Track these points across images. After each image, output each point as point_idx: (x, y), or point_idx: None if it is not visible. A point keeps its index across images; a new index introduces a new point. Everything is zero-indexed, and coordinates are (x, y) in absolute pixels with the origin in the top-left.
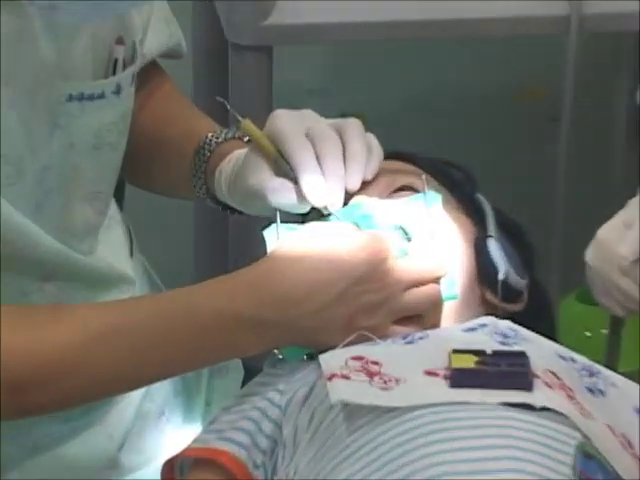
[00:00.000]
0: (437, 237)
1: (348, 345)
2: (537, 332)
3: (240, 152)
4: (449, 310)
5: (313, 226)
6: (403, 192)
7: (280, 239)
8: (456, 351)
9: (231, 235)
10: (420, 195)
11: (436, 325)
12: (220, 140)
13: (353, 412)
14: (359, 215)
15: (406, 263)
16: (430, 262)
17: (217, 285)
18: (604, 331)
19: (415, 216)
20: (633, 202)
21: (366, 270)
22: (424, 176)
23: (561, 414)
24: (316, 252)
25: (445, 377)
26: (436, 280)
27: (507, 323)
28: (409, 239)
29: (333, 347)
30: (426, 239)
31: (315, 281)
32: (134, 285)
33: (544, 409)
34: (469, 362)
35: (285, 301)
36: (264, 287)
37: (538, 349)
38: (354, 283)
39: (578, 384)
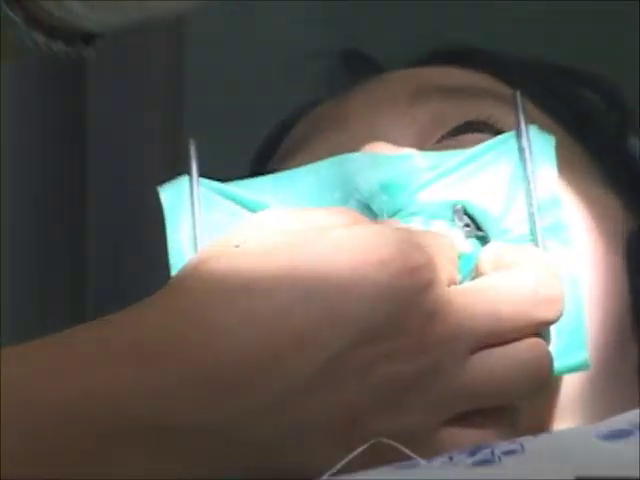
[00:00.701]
0: (547, 235)
1: (350, 470)
2: None
3: None
4: (570, 394)
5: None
6: (468, 135)
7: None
8: None
9: None
10: (505, 139)
11: (540, 426)
12: None
13: None
14: (373, 185)
15: (475, 293)
16: (528, 289)
17: (70, 352)
18: None
19: (494, 188)
20: None
21: (388, 312)
22: (518, 95)
23: None
24: (282, 270)
25: None
26: (540, 329)
27: None
28: (481, 239)
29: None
30: (521, 240)
31: (278, 338)
32: None
33: None
34: None
35: (212, 385)
36: (167, 355)
37: None
38: (362, 340)
39: None
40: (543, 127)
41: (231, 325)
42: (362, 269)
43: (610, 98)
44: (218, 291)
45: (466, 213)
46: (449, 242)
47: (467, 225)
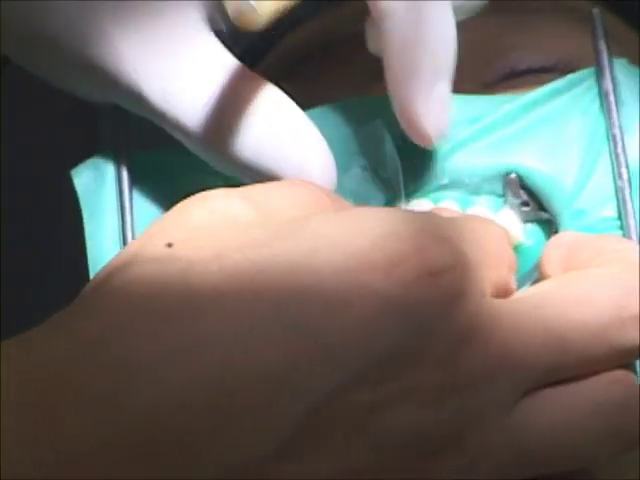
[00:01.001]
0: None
1: None
2: None
3: None
4: None
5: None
6: (529, 77)
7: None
8: None
9: None
10: (579, 80)
11: None
12: None
13: None
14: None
15: (531, 308)
16: (611, 301)
17: None
18: None
19: (564, 151)
20: None
21: (398, 338)
22: (597, 14)
23: None
24: (238, 283)
25: None
26: (626, 358)
27: None
28: (545, 224)
29: None
30: (604, 227)
31: (233, 383)
32: None
33: None
34: None
35: (125, 455)
36: (60, 408)
37: None
38: (359, 381)
39: None
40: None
41: (159, 363)
42: (358, 276)
43: None
44: (141, 312)
45: (523, 187)
46: (498, 231)
47: (525, 204)
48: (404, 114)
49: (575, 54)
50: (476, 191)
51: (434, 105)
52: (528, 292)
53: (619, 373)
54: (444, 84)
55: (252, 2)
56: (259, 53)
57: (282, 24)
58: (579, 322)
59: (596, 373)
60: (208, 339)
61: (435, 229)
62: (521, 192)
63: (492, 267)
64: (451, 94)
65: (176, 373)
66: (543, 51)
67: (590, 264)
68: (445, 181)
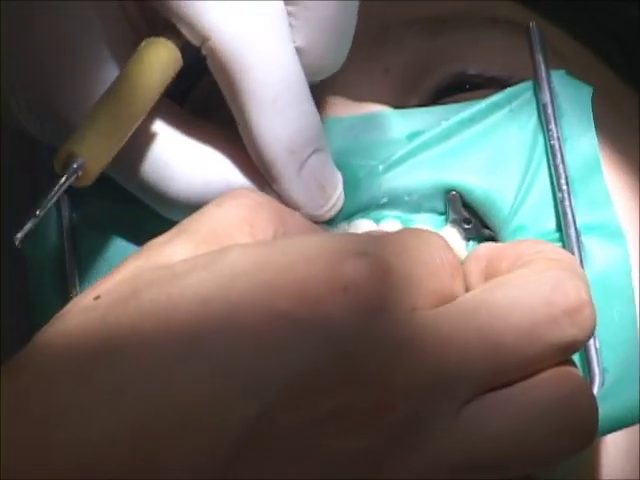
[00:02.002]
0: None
1: None
2: None
3: None
4: (618, 450)
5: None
6: (465, 94)
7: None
8: None
9: None
10: (518, 92)
11: None
12: None
13: None
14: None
15: (463, 315)
16: (539, 298)
17: None
18: None
19: (504, 165)
20: None
21: (318, 359)
22: (534, 27)
23: None
24: (153, 321)
25: None
26: (566, 354)
27: None
28: (486, 241)
29: None
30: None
31: (151, 421)
32: None
33: None
34: None
35: None
36: None
37: None
38: (283, 406)
39: None
40: (583, 73)
41: (81, 411)
42: (270, 303)
43: None
44: (65, 362)
45: (465, 204)
46: (435, 239)
47: (467, 221)
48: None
49: (521, 67)
50: (416, 209)
51: (307, 185)
52: (460, 299)
53: (563, 369)
54: (317, 156)
55: (80, 160)
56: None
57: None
58: (512, 324)
59: (539, 371)
60: (128, 382)
61: (351, 246)
62: (463, 210)
63: (430, 276)
64: (330, 159)
65: (99, 420)
66: (489, 64)
67: (513, 269)
68: (384, 200)
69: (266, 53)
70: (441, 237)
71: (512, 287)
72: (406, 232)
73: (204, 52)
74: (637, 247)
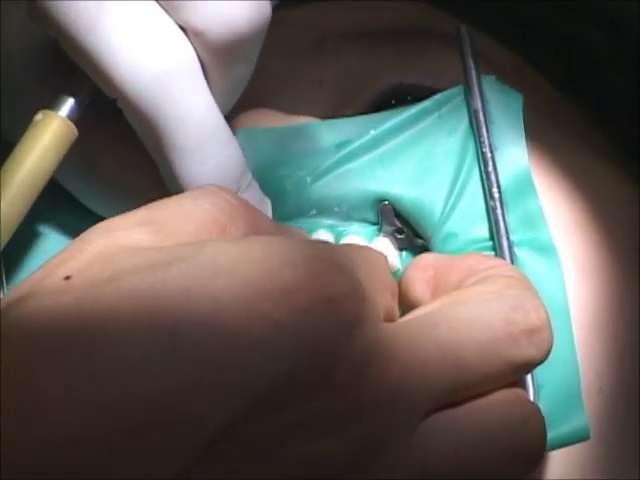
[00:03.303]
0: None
1: None
2: None
3: None
4: (567, 467)
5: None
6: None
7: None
8: None
9: None
10: (447, 98)
11: None
12: None
13: None
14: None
15: (423, 329)
16: (499, 316)
17: None
18: None
19: (434, 173)
20: None
21: (295, 366)
22: (464, 32)
23: None
24: (130, 311)
25: None
26: (518, 373)
27: None
28: (418, 250)
29: None
30: (474, 248)
31: (123, 414)
32: None
33: None
34: None
35: None
36: None
37: None
38: (256, 410)
39: None
40: (514, 79)
41: (55, 397)
42: (255, 305)
43: (625, 37)
44: (37, 345)
45: (397, 214)
46: (380, 257)
47: (399, 231)
48: None
49: (457, 77)
50: (347, 219)
51: None
52: (420, 313)
53: (517, 392)
54: (244, 193)
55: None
56: None
57: None
58: (473, 339)
59: (492, 390)
60: (105, 369)
61: (330, 256)
62: (395, 220)
63: (383, 292)
64: (257, 190)
65: (74, 406)
66: (425, 75)
67: (465, 283)
68: (313, 212)
69: (182, 104)
70: (385, 257)
71: (472, 303)
72: (359, 248)
73: (119, 106)
74: (569, 258)
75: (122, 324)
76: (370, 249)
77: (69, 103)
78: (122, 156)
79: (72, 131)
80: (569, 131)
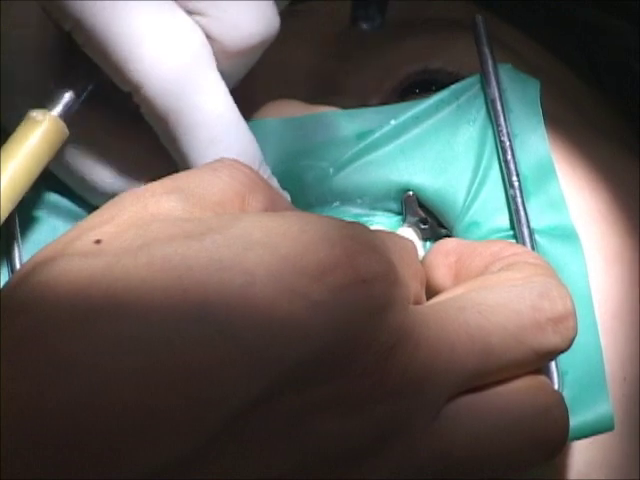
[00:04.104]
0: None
1: None
2: None
3: None
4: (590, 459)
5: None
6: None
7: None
8: None
9: None
10: (464, 88)
11: None
12: None
13: None
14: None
15: (451, 314)
16: (526, 303)
17: None
18: None
19: (455, 163)
20: None
21: (327, 344)
22: (480, 21)
23: None
24: (164, 281)
25: None
26: (543, 361)
27: None
28: (439, 238)
29: None
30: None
31: (156, 383)
32: None
33: None
34: None
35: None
36: None
37: None
38: (287, 385)
39: None
40: (535, 67)
41: (82, 362)
42: (289, 280)
43: None
44: (65, 309)
45: (421, 204)
46: (411, 245)
47: (423, 221)
48: None
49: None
50: (371, 210)
51: None
52: (446, 297)
53: (541, 379)
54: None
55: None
56: None
57: None
58: (500, 325)
59: (516, 377)
60: (132, 337)
61: (365, 237)
62: (419, 210)
63: (413, 278)
64: (275, 183)
65: (99, 372)
66: (450, 62)
67: (488, 269)
68: (336, 203)
69: (199, 96)
70: (415, 245)
71: (499, 289)
72: (390, 233)
73: (136, 100)
74: (592, 246)
75: (153, 294)
76: (400, 236)
77: (63, 101)
78: (125, 153)
79: (63, 131)
80: (591, 120)
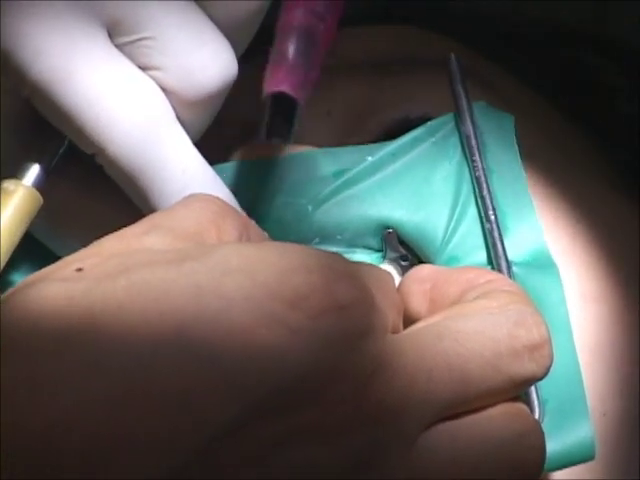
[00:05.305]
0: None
1: None
2: None
3: None
4: None
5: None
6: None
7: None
8: None
9: None
10: (439, 125)
11: None
12: None
13: None
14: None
15: (429, 341)
16: (503, 331)
17: None
18: None
19: (432, 199)
20: None
21: (304, 370)
22: (453, 60)
23: None
24: (140, 306)
25: None
26: (520, 389)
27: None
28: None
29: None
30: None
31: (126, 411)
32: None
33: None
34: None
35: None
36: None
37: None
38: (261, 412)
39: None
40: (514, 103)
41: (58, 382)
42: (265, 306)
43: (630, 65)
44: (42, 330)
45: (401, 241)
46: (387, 275)
47: (404, 257)
48: None
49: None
50: (350, 246)
51: None
52: (423, 325)
53: (518, 406)
54: None
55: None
56: None
57: None
58: (477, 353)
59: (493, 404)
60: (109, 359)
61: (343, 265)
62: (400, 247)
63: (391, 308)
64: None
65: (74, 393)
66: (431, 106)
67: (464, 297)
68: (316, 240)
69: (162, 151)
70: (391, 275)
71: (476, 317)
72: (370, 264)
73: (98, 161)
74: (570, 286)
75: (130, 318)
76: (378, 267)
77: (34, 170)
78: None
79: (37, 199)
80: (570, 155)
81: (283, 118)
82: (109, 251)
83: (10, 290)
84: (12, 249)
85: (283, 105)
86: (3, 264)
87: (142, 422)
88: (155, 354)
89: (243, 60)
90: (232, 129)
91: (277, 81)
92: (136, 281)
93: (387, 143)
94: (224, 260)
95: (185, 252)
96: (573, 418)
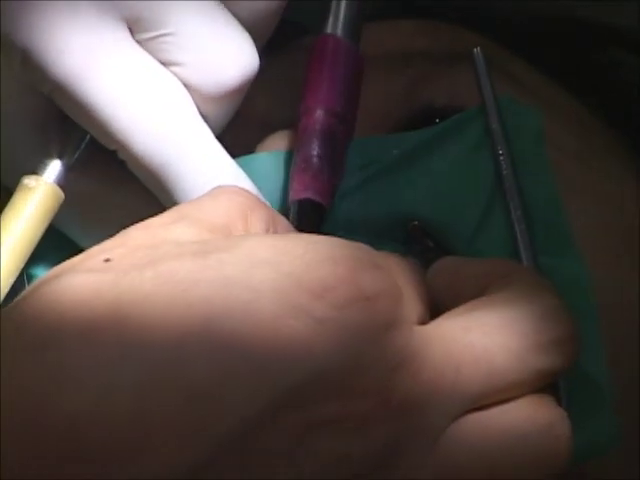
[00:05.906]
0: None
1: None
2: None
3: None
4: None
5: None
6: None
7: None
8: None
9: None
10: (463, 119)
11: None
12: None
13: None
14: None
15: (456, 333)
16: (529, 323)
17: None
18: None
19: (459, 191)
20: None
21: (330, 362)
22: (478, 53)
23: None
24: (168, 297)
25: None
26: (545, 381)
27: None
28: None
29: None
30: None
31: (155, 402)
32: None
33: None
34: None
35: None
36: None
37: None
38: (288, 404)
39: None
40: (540, 97)
41: (84, 373)
42: (292, 297)
43: None
44: (69, 320)
45: (426, 233)
46: (417, 267)
47: (429, 250)
48: None
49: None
50: (376, 239)
51: None
52: (450, 317)
53: (544, 397)
54: None
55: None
56: None
57: None
58: (504, 346)
59: (520, 396)
60: (135, 350)
61: (369, 257)
62: (425, 239)
63: (415, 299)
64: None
65: (100, 383)
66: (455, 96)
67: (488, 288)
68: (340, 233)
69: (185, 147)
70: (420, 268)
71: (502, 310)
72: (398, 255)
73: (120, 156)
74: (597, 266)
75: (157, 309)
76: (405, 258)
77: (55, 167)
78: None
79: (58, 196)
80: (593, 147)
81: (309, 222)
82: (135, 241)
83: (36, 281)
84: (33, 246)
85: (309, 210)
86: (25, 261)
87: (169, 414)
88: (183, 345)
89: (263, 54)
90: (253, 122)
91: (303, 188)
92: (163, 272)
93: (413, 134)
94: (251, 252)
95: (212, 243)
96: (597, 408)
